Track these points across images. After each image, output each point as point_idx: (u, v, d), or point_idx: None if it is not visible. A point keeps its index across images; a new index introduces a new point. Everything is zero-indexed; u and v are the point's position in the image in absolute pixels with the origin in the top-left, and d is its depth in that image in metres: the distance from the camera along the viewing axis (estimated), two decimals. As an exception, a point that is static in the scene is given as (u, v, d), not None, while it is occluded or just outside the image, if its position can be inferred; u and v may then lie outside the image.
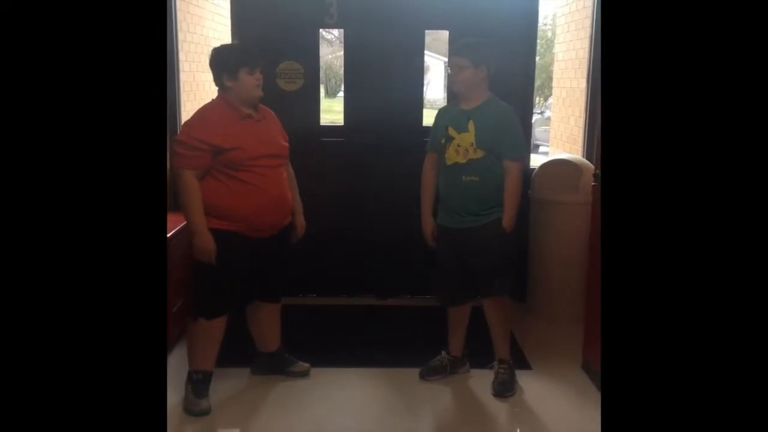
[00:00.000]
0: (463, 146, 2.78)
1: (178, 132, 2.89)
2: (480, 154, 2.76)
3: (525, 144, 2.79)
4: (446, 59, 3.77)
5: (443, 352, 3.12)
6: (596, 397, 2.91)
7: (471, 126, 2.77)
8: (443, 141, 2.84)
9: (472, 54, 2.78)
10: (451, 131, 2.82)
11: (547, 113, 11.74)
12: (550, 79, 8.01)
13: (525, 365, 3.23)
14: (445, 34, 4.00)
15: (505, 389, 2.94)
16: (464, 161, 2.79)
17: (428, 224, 2.98)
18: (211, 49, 2.77)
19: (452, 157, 2.82)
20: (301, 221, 2.94)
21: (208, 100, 2.77)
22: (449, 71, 2.84)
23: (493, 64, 2.82)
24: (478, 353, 3.12)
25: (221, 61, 2.65)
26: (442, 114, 2.97)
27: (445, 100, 4.28)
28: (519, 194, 2.83)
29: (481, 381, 3.04)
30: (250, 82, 2.63)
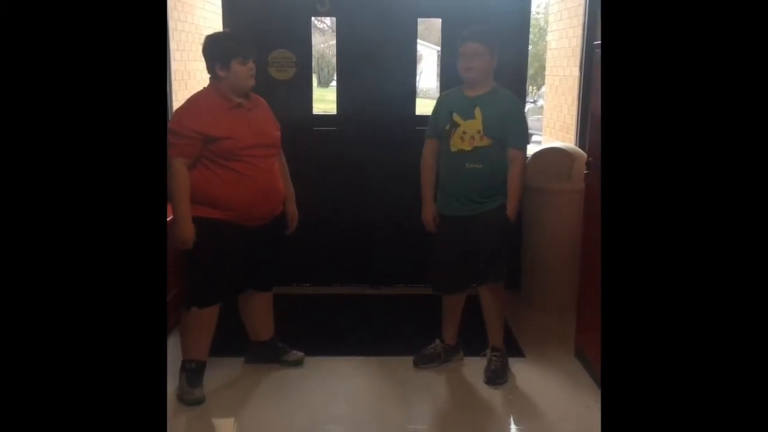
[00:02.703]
0: (469, 133, 2.78)
1: (169, 120, 2.87)
2: (486, 141, 2.76)
3: (528, 133, 2.84)
4: (439, 48, 3.74)
5: (437, 341, 3.13)
6: (589, 384, 2.94)
7: (478, 113, 2.77)
8: (448, 127, 2.83)
9: (488, 41, 2.78)
10: (457, 118, 2.81)
11: (540, 102, 11.74)
12: (543, 67, 8.01)
13: (518, 353, 3.25)
14: (437, 23, 3.99)
15: (497, 377, 2.95)
16: (469, 148, 2.78)
17: (429, 210, 2.97)
18: (202, 38, 2.75)
19: (457, 144, 2.81)
20: (293, 210, 2.94)
21: (200, 89, 2.75)
22: (462, 58, 2.77)
23: (498, 52, 2.83)
24: (472, 341, 3.14)
25: (213, 51, 2.63)
26: (445, 100, 2.94)
27: (438, 89, 4.27)
28: (523, 182, 2.85)
29: (474, 369, 3.05)
30: (243, 72, 2.61)
